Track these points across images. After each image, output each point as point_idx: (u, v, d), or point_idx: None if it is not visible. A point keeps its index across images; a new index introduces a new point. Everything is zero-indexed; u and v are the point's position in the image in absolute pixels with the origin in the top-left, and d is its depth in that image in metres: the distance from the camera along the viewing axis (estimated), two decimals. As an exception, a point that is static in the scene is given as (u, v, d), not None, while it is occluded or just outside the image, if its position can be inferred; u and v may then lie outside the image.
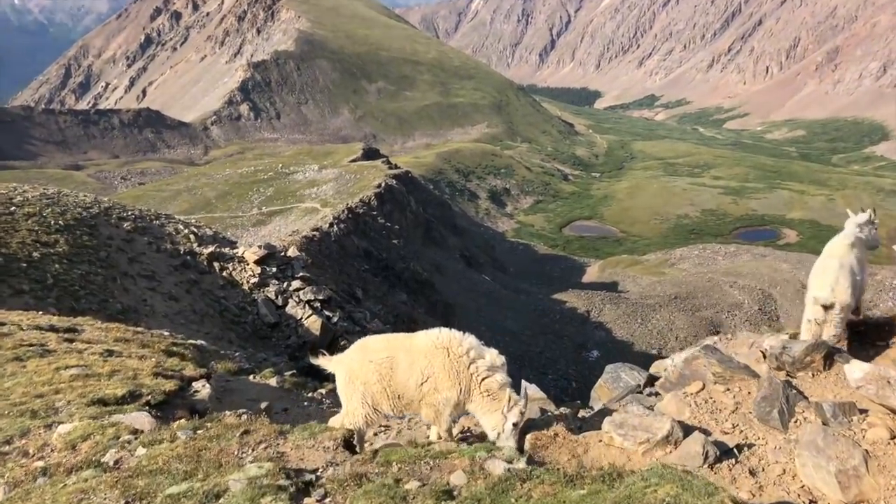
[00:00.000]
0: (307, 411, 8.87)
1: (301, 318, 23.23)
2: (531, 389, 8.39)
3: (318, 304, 23.85)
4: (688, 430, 5.93)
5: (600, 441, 5.99)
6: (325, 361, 6.42)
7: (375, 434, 7.39)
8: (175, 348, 10.70)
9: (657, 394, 7.91)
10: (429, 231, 78.34)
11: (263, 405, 7.72)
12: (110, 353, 8.87)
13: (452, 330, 6.29)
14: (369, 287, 50.85)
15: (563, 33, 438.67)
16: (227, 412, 6.44)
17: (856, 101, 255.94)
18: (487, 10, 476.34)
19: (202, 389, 7.49)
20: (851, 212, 8.00)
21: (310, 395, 10.49)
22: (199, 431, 5.72)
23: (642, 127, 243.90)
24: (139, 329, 13.09)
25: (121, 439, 5.63)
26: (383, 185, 71.70)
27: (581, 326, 65.47)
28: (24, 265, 18.43)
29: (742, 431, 6.11)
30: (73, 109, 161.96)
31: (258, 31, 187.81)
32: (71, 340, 9.31)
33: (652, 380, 8.91)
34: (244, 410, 6.65)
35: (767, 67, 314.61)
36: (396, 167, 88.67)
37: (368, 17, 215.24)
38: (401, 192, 75.34)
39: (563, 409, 7.95)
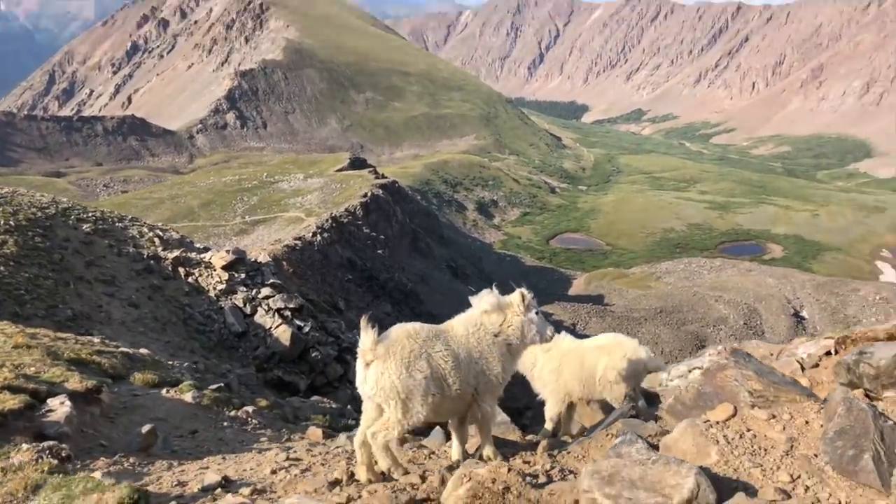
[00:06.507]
0: (221, 435, 7.24)
1: (270, 327, 21.86)
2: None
3: (288, 313, 22.48)
4: (721, 486, 3.74)
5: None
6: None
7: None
8: (95, 357, 9.20)
9: (657, 418, 5.99)
10: (415, 241, 77.11)
11: (145, 429, 6.20)
12: (-25, 362, 7.29)
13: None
14: (352, 297, 49.71)
15: (552, 47, 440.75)
16: (25, 446, 4.97)
17: (840, 119, 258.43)
18: (477, 23, 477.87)
19: (59, 408, 6.04)
20: None
21: (232, 413, 8.75)
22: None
23: (629, 141, 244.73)
24: (63, 336, 11.68)
25: None
26: (369, 194, 70.47)
27: (567, 340, 64.49)
28: (-35, 267, 16.99)
29: (810, 489, 3.86)
30: (55, 116, 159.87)
31: (246, 40, 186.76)
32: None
33: (647, 398, 7.48)
34: (39, 445, 5.04)
35: (754, 83, 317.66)
36: (383, 177, 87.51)
37: (358, 28, 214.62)
38: (387, 201, 74.11)
39: (529, 438, 6.45)
